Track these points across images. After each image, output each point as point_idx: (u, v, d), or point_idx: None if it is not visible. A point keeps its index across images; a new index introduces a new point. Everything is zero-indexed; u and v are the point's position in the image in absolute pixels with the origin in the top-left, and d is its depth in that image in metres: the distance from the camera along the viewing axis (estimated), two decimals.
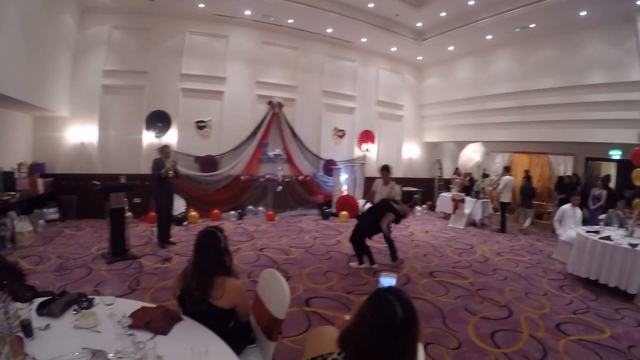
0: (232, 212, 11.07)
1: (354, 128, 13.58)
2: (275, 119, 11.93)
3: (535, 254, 8.76)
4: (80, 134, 10.08)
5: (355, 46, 13.08)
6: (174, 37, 10.90)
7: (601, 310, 5.52)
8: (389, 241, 7.19)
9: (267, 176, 11.74)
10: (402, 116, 14.80)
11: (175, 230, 8.79)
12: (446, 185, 14.53)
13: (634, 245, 5.97)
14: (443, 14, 10.83)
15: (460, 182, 12.93)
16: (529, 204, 11.36)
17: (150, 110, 10.60)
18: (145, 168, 9.71)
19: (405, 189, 12.90)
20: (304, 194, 12.39)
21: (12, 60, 6.56)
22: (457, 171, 13.67)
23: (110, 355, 1.89)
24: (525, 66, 11.17)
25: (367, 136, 13.72)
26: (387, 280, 2.10)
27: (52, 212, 9.45)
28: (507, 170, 12.03)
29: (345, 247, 8.33)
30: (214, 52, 11.35)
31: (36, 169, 9.29)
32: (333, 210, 12.16)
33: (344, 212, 11.69)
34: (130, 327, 2.20)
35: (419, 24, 11.80)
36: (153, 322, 2.35)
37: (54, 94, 9.02)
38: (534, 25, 9.98)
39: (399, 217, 7.11)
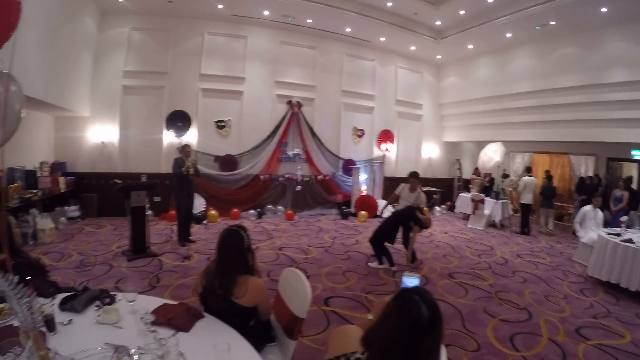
0: (252, 211, 11.10)
1: (373, 127, 13.50)
2: (294, 118, 11.95)
3: (556, 256, 8.59)
4: (101, 133, 10.23)
5: (374, 45, 13.00)
6: (193, 37, 10.98)
7: (622, 314, 5.39)
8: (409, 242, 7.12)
9: (287, 175, 11.77)
10: (421, 115, 14.66)
11: (195, 229, 8.83)
12: (465, 185, 14.39)
13: None
14: (462, 12, 10.73)
15: (479, 182, 12.80)
16: (550, 204, 11.16)
17: (170, 110, 10.70)
18: (165, 167, 9.81)
19: (424, 189, 12.80)
20: (323, 193, 12.37)
21: (34, 62, 6.67)
22: (476, 171, 13.50)
23: (132, 351, 1.88)
24: (546, 64, 10.96)
25: (386, 136, 13.63)
26: (410, 280, 2.07)
27: (73, 210, 9.60)
28: (528, 171, 11.84)
29: (364, 247, 8.28)
30: (233, 52, 11.40)
31: (58, 167, 9.47)
32: (352, 210, 12.10)
33: (363, 212, 11.62)
34: (153, 323, 2.19)
35: (438, 23, 11.70)
36: (175, 319, 2.35)
37: (75, 95, 9.19)
38: (553, 22, 9.78)
39: (421, 227, 7.06)
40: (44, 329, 2.00)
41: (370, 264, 7.09)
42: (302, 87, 12.21)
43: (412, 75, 14.32)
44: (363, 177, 12.71)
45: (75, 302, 2.47)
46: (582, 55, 10.06)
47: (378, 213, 8.80)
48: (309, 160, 12.19)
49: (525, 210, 10.99)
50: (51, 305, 2.32)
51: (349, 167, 12.67)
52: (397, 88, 13.94)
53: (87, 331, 2.22)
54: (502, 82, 12.27)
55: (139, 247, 6.83)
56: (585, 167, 12.48)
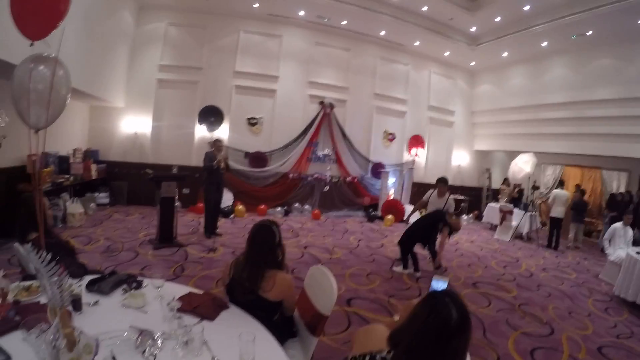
0: (278, 209, 11.17)
1: (404, 132, 13.37)
2: (326, 119, 11.95)
3: (582, 273, 8.34)
4: (134, 124, 10.46)
5: (408, 49, 12.90)
6: (228, 35, 11.11)
7: None
8: (434, 249, 7.01)
9: (315, 175, 11.79)
10: (453, 122, 14.45)
11: (221, 222, 8.88)
12: (494, 195, 14.13)
13: None
14: (498, 18, 10.54)
15: (509, 193, 12.55)
16: (581, 219, 10.85)
17: (204, 105, 10.85)
18: (196, 160, 9.95)
19: (452, 196, 12.64)
20: (350, 195, 12.34)
21: (75, 52, 6.84)
22: (506, 182, 13.25)
23: (156, 336, 1.87)
24: (581, 75, 10.66)
25: (417, 141, 13.48)
26: (440, 284, 2.05)
27: (103, 197, 9.83)
28: (561, 184, 11.53)
29: (389, 251, 8.22)
30: (267, 50, 11.48)
31: (90, 155, 9.73)
32: (379, 213, 12.03)
33: (389, 216, 11.51)
34: (179, 310, 2.19)
35: (473, 29, 11.53)
36: (200, 307, 2.36)
37: (111, 85, 9.43)
38: (590, 32, 9.52)
39: (450, 230, 6.95)
40: (70, 308, 2.02)
41: (394, 268, 7.01)
42: (335, 88, 12.19)
43: (445, 81, 14.15)
44: (392, 181, 12.61)
45: (103, 284, 2.51)
46: (619, 67, 9.75)
47: (404, 218, 8.70)
48: (338, 161, 12.18)
49: (555, 224, 10.68)
50: (78, 286, 2.35)
51: (378, 170, 12.60)
52: (430, 93, 13.78)
53: (112, 313, 2.24)
54: (536, 91, 11.99)
55: (165, 237, 6.92)
56: (618, 182, 12.18)
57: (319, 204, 11.78)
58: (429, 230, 6.85)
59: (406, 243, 6.89)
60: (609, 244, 8.17)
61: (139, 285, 2.61)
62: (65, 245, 3.55)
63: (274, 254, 2.68)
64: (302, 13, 10.74)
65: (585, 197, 11.27)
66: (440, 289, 1.72)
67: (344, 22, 11.16)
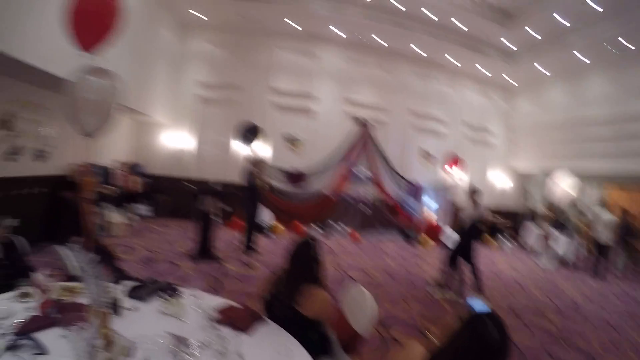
0: (316, 228, 11.15)
1: (442, 152, 13.13)
2: (364, 138, 11.93)
3: (629, 304, 7.87)
4: (176, 139, 10.76)
5: (444, 67, 12.83)
6: (267, 52, 11.43)
7: None
8: (476, 272, 6.79)
9: (354, 195, 11.76)
10: (491, 141, 14.20)
11: (260, 240, 8.91)
12: (536, 219, 13.64)
13: None
14: (536, 35, 10.32)
15: (551, 217, 12.08)
16: (629, 246, 10.34)
17: (243, 121, 10.93)
18: (234, 177, 10.02)
19: (491, 220, 12.35)
20: (389, 216, 12.21)
21: (121, 70, 7.07)
22: (549, 206, 12.77)
23: (192, 344, 1.86)
24: (624, 90, 10.16)
25: (455, 161, 13.24)
26: (477, 304, 1.97)
27: (144, 209, 10.12)
28: (606, 208, 11.06)
29: (427, 274, 8.04)
30: (305, 69, 11.69)
31: (133, 167, 10.08)
32: (417, 235, 11.79)
33: (428, 238, 11.32)
34: (216, 321, 2.18)
35: (511, 45, 11.33)
36: (237, 319, 2.36)
37: (154, 102, 9.81)
38: (633, 48, 9.19)
39: (497, 230, 6.67)
40: (110, 310, 2.04)
41: (432, 291, 6.83)
42: (372, 107, 12.24)
43: (482, 99, 13.98)
44: (431, 202, 12.42)
45: (143, 290, 2.55)
46: None
47: (443, 240, 8.49)
48: (377, 182, 12.10)
49: (602, 251, 10.18)
50: (118, 291, 2.40)
51: (416, 191, 12.44)
52: (467, 112, 13.65)
53: (149, 319, 2.27)
54: (576, 108, 11.58)
55: (204, 251, 7.03)
56: None
57: (357, 224, 11.68)
58: (469, 243, 6.68)
59: (452, 261, 6.72)
60: None
61: (178, 294, 2.63)
62: (107, 251, 3.62)
63: (314, 270, 2.67)
64: (338, 31, 10.95)
65: (632, 221, 10.72)
66: (479, 310, 1.65)
67: (380, 40, 11.30)
